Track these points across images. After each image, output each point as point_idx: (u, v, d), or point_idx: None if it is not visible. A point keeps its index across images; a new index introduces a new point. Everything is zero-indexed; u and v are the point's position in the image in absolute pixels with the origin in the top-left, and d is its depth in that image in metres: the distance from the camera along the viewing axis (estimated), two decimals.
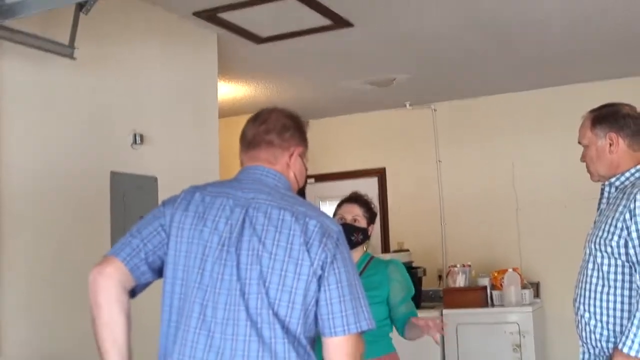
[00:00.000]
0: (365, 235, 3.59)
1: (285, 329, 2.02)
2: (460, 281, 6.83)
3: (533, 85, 7.30)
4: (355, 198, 3.66)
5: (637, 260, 2.63)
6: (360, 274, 3.47)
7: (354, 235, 3.52)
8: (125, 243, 2.17)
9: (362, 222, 3.59)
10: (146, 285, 2.24)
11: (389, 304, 3.53)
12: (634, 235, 2.65)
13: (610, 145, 2.88)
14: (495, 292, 6.79)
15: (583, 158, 3.03)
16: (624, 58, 6.40)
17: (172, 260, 2.12)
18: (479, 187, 7.61)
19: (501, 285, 6.72)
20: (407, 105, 7.86)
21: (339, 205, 3.66)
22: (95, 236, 4.83)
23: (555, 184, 7.25)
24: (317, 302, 2.05)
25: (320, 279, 2.04)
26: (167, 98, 5.49)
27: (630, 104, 3.00)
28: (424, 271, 7.15)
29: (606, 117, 2.93)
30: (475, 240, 7.46)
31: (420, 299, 6.67)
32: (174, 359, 2.06)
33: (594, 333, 2.79)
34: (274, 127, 2.29)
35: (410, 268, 6.90)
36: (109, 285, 2.11)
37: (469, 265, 6.97)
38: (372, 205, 3.70)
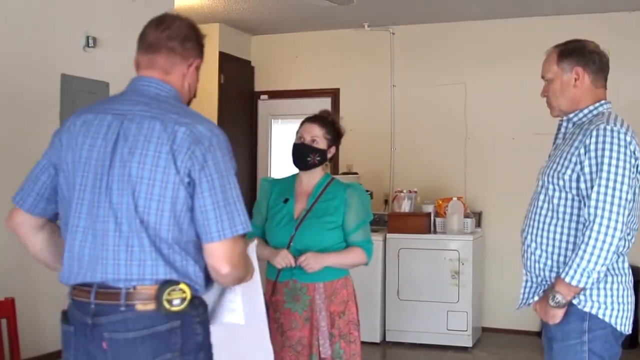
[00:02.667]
0: (323, 156, 3.48)
1: (156, 238, 2.09)
2: (405, 207, 6.91)
3: (493, 15, 7.28)
4: (315, 117, 3.54)
5: (587, 195, 2.69)
6: (318, 197, 3.46)
7: (309, 157, 3.45)
8: (21, 187, 2.32)
9: (321, 143, 3.46)
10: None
11: (344, 230, 3.45)
12: (587, 170, 2.71)
13: (576, 79, 2.91)
14: (438, 220, 6.90)
15: (545, 92, 3.05)
16: None
17: (64, 181, 2.22)
18: (431, 115, 7.64)
19: (445, 213, 6.83)
20: (366, 26, 7.78)
21: (301, 124, 3.55)
22: (43, 138, 4.75)
23: (506, 116, 7.32)
24: (192, 209, 2.10)
25: (189, 186, 2.09)
26: (123, 1, 5.33)
27: (593, 41, 3.02)
28: (371, 195, 7.18)
29: (573, 51, 2.94)
30: (423, 167, 7.54)
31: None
32: (65, 271, 2.19)
33: (539, 262, 2.88)
34: (177, 35, 2.30)
35: None
36: (19, 231, 2.34)
37: (415, 192, 7.05)
38: (337, 126, 3.57)
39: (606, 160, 2.66)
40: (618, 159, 2.66)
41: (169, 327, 2.08)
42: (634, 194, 2.72)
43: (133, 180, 2.08)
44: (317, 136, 3.46)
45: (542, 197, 2.90)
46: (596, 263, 2.61)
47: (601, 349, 2.74)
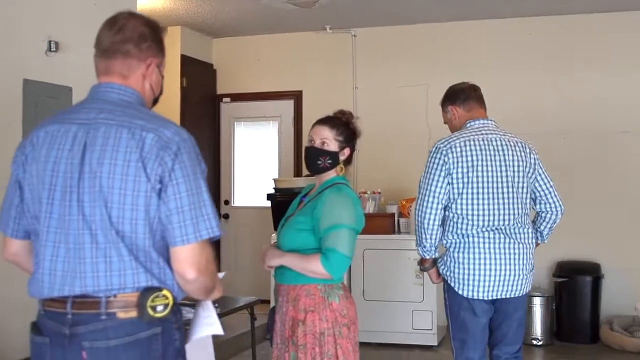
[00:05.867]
0: (334, 159, 3.30)
1: (133, 246, 2.06)
2: (369, 207, 6.95)
3: (455, 17, 7.38)
4: (325, 119, 3.38)
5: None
6: (312, 199, 3.29)
7: (320, 160, 3.30)
8: (2, 214, 2.26)
9: (331, 146, 3.30)
10: None
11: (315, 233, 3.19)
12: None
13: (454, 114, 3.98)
14: (402, 220, 6.95)
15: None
16: None
17: (29, 195, 2.17)
18: (394, 116, 7.70)
19: (409, 213, 6.87)
20: (328, 28, 7.82)
21: (312, 126, 3.40)
22: (6, 144, 4.70)
23: None
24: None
25: (160, 192, 2.06)
26: (85, 5, 5.30)
27: (467, 82, 4.15)
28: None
29: (446, 96, 4.05)
30: (387, 168, 7.60)
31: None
32: (36, 286, 2.14)
33: None
34: (131, 37, 2.20)
35: None
36: (17, 261, 2.31)
37: (379, 192, 7.10)
38: (352, 126, 3.40)
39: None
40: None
41: (150, 333, 2.07)
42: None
43: (104, 191, 2.05)
44: (327, 138, 3.31)
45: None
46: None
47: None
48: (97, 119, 2.11)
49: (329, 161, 3.30)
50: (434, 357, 6.45)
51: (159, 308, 2.08)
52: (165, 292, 2.10)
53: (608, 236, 7.06)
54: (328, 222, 3.12)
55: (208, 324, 2.32)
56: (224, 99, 8.49)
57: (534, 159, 3.78)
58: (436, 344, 6.60)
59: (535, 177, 3.78)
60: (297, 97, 8.18)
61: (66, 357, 2.08)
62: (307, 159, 3.36)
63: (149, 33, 2.24)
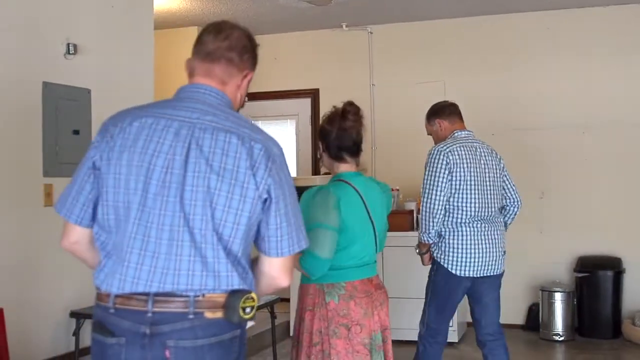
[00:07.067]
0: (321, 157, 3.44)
1: (228, 250, 2.07)
2: None
3: (471, 12, 7.35)
4: (432, 114, 3.47)
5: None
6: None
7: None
8: (67, 199, 2.18)
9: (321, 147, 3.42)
10: None
11: None
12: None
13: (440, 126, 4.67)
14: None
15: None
16: None
17: (113, 184, 2.11)
18: (411, 112, 7.64)
19: None
20: (344, 26, 7.82)
21: None
22: (27, 147, 4.74)
23: (485, 112, 7.38)
24: (260, 224, 2.13)
25: (264, 202, 2.10)
26: (102, 7, 5.32)
27: (448, 100, 4.82)
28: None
29: (433, 112, 4.72)
30: (404, 165, 7.57)
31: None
32: (115, 279, 2.08)
33: None
34: (236, 46, 2.27)
35: None
36: (76, 250, 2.24)
37: (397, 190, 7.09)
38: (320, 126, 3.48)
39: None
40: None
41: (231, 335, 2.12)
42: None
43: (211, 192, 2.06)
44: None
45: None
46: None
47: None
48: (202, 120, 2.13)
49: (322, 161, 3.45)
50: (454, 353, 6.43)
51: (248, 310, 2.11)
52: (253, 294, 2.13)
53: (629, 230, 7.01)
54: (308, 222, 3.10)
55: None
56: None
57: (502, 162, 4.67)
58: (457, 340, 6.59)
59: (503, 177, 4.63)
60: (314, 95, 8.18)
61: (146, 357, 2.06)
62: None
63: (250, 46, 2.32)
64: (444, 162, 4.36)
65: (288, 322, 6.86)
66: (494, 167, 4.55)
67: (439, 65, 7.62)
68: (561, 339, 6.73)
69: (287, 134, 8.47)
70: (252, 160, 2.08)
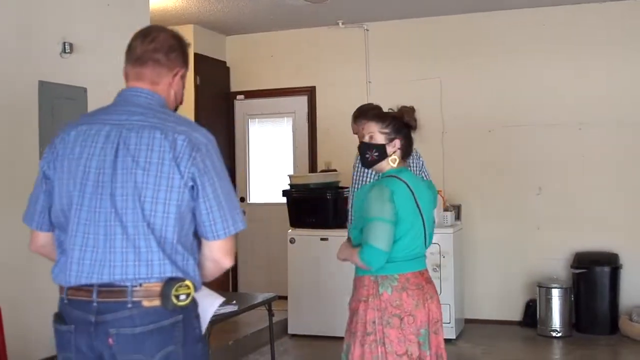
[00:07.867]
0: (381, 152, 3.35)
1: (161, 239, 2.23)
2: None
3: (467, 9, 7.35)
4: (360, 114, 3.46)
5: None
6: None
7: (367, 154, 3.36)
8: (29, 209, 2.42)
9: (378, 138, 3.37)
10: None
11: None
12: None
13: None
14: None
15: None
16: None
17: (58, 190, 2.32)
18: None
19: None
20: (340, 23, 7.82)
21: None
22: (23, 146, 4.73)
23: (481, 109, 7.41)
24: (194, 210, 2.27)
25: (191, 190, 2.25)
26: (98, 6, 5.32)
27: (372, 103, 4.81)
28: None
29: (361, 112, 4.75)
30: None
31: (346, 220, 6.75)
32: (64, 274, 2.27)
33: None
34: (161, 47, 2.41)
35: (337, 188, 6.99)
36: (44, 253, 2.47)
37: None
38: (400, 118, 3.44)
39: None
40: None
41: (172, 321, 2.24)
42: None
43: (139, 186, 2.21)
44: (373, 132, 3.39)
45: None
46: None
47: None
48: (130, 120, 2.30)
49: (376, 154, 3.35)
50: (452, 350, 6.43)
51: (182, 297, 2.24)
52: (187, 282, 2.26)
53: (626, 226, 7.02)
54: (364, 217, 3.24)
55: (211, 296, 2.52)
56: (238, 96, 8.51)
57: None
58: (454, 337, 6.60)
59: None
60: (310, 92, 8.18)
61: (92, 344, 2.23)
62: (360, 155, 3.48)
63: (177, 45, 2.47)
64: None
65: (286, 320, 6.87)
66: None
67: (435, 62, 7.62)
68: (558, 335, 6.74)
69: (284, 131, 8.46)
70: (175, 151, 2.23)
